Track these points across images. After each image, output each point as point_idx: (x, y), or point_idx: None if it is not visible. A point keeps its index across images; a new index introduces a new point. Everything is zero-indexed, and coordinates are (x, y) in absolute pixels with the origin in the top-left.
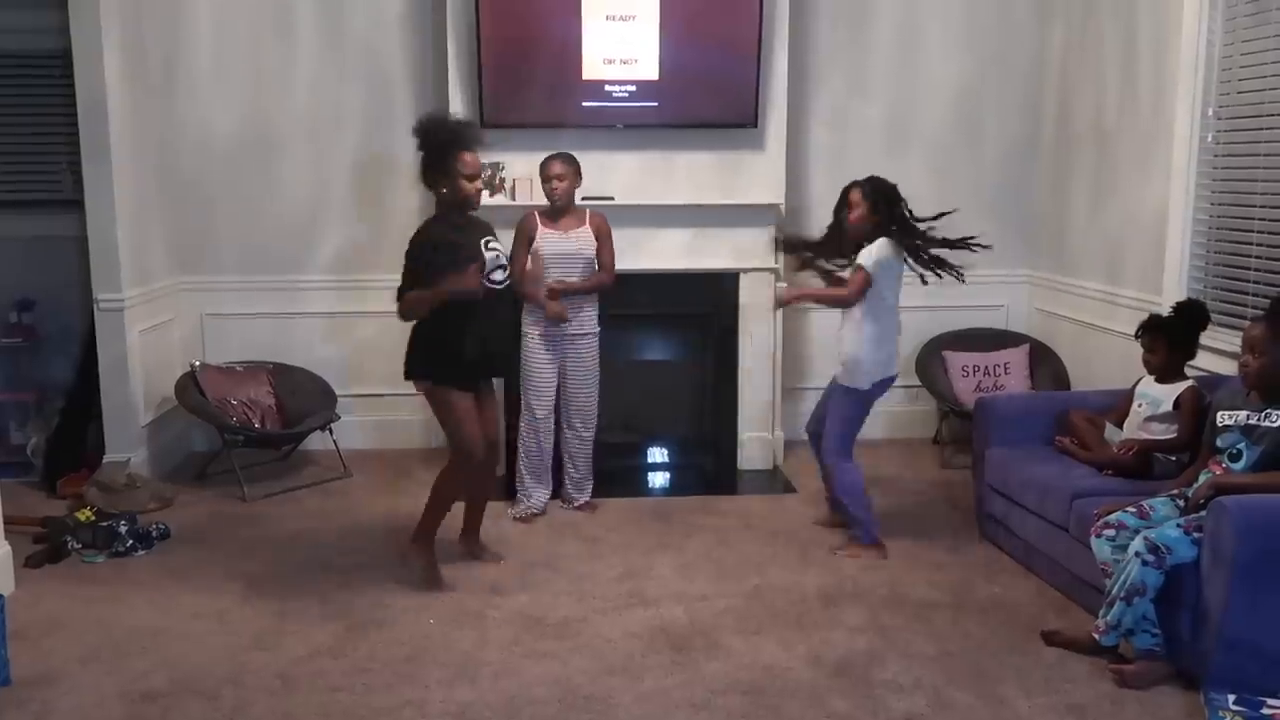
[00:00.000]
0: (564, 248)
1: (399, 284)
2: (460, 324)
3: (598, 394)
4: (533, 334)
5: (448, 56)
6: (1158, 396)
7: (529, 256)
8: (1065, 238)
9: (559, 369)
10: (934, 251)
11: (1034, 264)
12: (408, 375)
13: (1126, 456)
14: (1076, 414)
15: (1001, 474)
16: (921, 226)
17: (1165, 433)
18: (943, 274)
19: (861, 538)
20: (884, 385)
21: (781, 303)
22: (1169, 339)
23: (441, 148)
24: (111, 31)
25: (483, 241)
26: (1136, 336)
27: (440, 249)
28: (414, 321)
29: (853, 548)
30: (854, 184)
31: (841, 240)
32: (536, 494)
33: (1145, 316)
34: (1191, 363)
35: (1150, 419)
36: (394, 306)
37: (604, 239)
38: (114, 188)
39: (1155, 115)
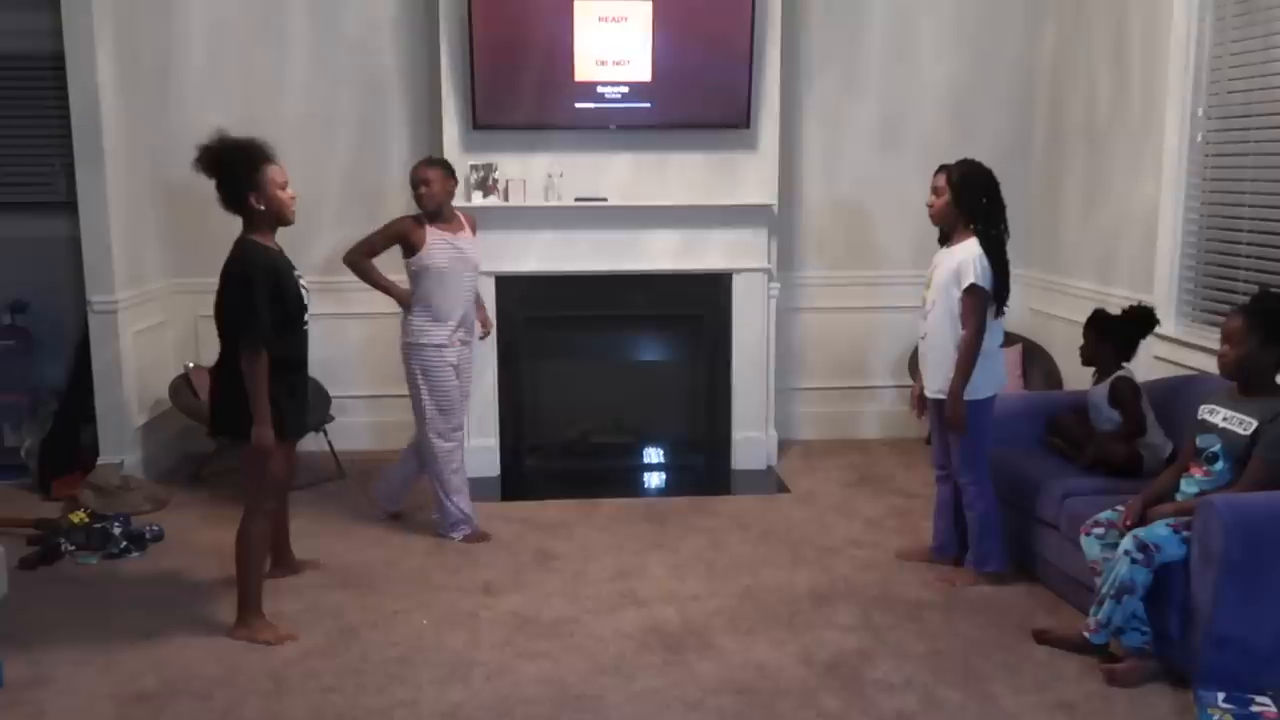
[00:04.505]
0: (466, 259)
1: (243, 316)
2: (289, 379)
3: None
4: (434, 344)
5: (440, 58)
6: (1097, 397)
7: (410, 268)
8: (1057, 237)
9: None
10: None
11: (1026, 263)
12: (238, 433)
13: (1117, 452)
14: (1067, 416)
15: (993, 473)
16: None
17: (1117, 427)
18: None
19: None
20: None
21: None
22: (1096, 332)
23: (248, 164)
24: (104, 34)
25: (297, 277)
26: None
27: (284, 282)
28: (221, 371)
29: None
30: (942, 167)
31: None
32: (470, 510)
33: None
34: (1182, 361)
35: (1102, 418)
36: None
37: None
38: (107, 190)
39: (1146, 115)
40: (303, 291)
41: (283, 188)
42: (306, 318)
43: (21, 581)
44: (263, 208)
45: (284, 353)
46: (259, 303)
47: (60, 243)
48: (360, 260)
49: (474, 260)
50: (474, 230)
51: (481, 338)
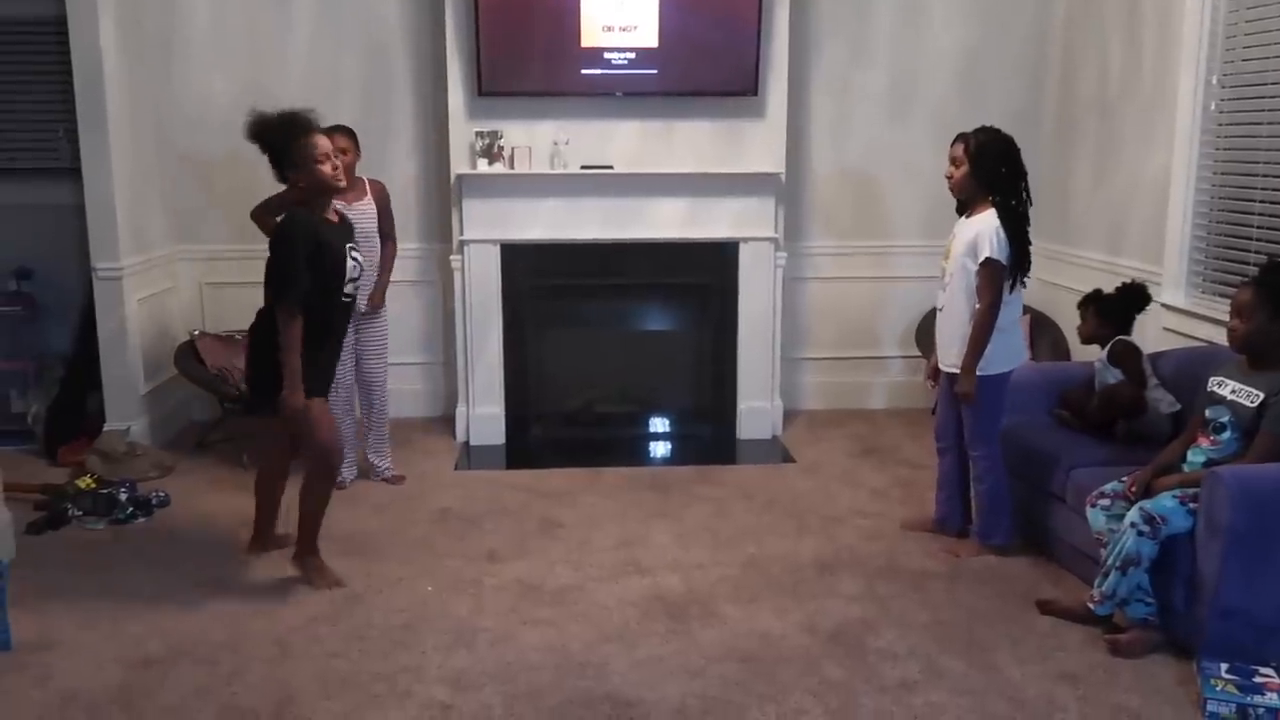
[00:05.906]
0: (360, 226)
1: (279, 280)
2: (321, 341)
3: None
4: None
5: (445, 24)
6: (1101, 363)
7: None
8: (1067, 208)
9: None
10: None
11: (1035, 234)
12: (272, 404)
13: (1122, 392)
14: (1073, 390)
15: (1004, 446)
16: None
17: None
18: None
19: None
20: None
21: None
22: (1099, 311)
23: (284, 141)
24: None
25: (347, 247)
26: (1078, 308)
27: (323, 250)
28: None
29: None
30: (960, 136)
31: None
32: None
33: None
34: (1192, 333)
35: (1107, 379)
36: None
37: (385, 207)
38: (111, 156)
39: (1158, 84)
40: (351, 263)
41: (320, 161)
42: (349, 288)
43: (29, 546)
44: (303, 184)
45: (317, 320)
46: (298, 266)
47: (65, 209)
48: (264, 216)
49: (367, 228)
50: (382, 200)
51: (365, 309)
